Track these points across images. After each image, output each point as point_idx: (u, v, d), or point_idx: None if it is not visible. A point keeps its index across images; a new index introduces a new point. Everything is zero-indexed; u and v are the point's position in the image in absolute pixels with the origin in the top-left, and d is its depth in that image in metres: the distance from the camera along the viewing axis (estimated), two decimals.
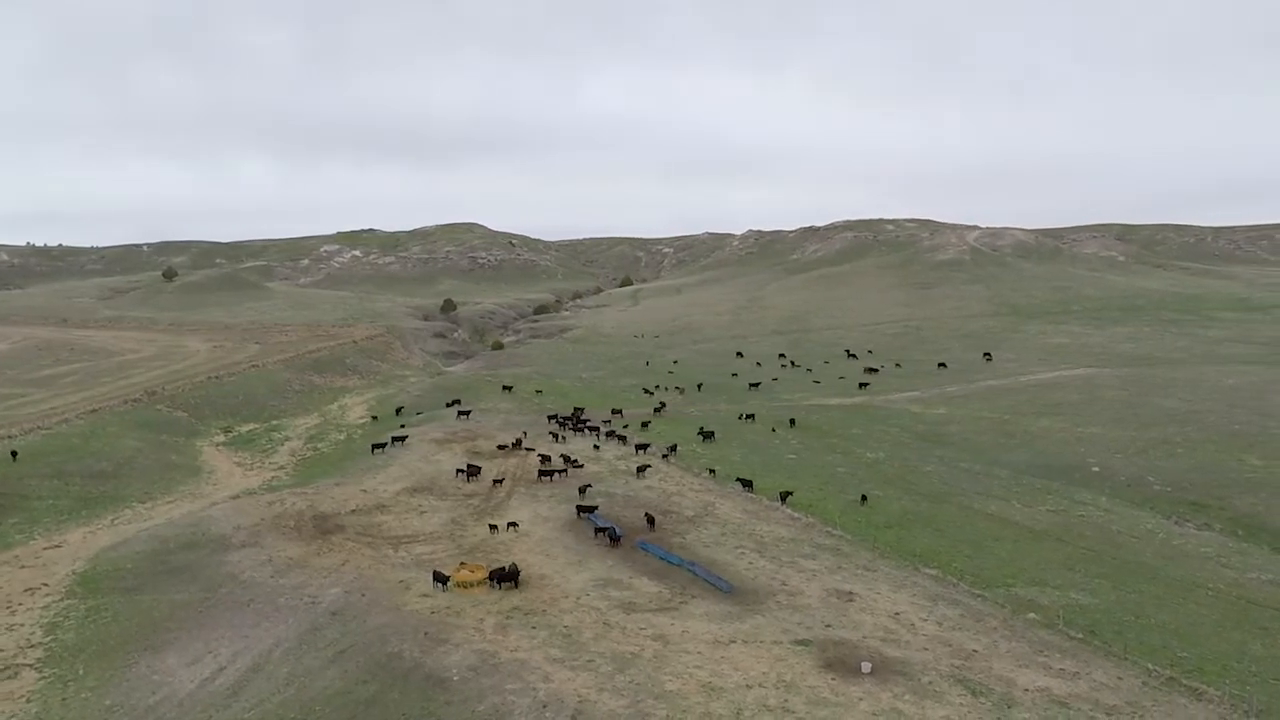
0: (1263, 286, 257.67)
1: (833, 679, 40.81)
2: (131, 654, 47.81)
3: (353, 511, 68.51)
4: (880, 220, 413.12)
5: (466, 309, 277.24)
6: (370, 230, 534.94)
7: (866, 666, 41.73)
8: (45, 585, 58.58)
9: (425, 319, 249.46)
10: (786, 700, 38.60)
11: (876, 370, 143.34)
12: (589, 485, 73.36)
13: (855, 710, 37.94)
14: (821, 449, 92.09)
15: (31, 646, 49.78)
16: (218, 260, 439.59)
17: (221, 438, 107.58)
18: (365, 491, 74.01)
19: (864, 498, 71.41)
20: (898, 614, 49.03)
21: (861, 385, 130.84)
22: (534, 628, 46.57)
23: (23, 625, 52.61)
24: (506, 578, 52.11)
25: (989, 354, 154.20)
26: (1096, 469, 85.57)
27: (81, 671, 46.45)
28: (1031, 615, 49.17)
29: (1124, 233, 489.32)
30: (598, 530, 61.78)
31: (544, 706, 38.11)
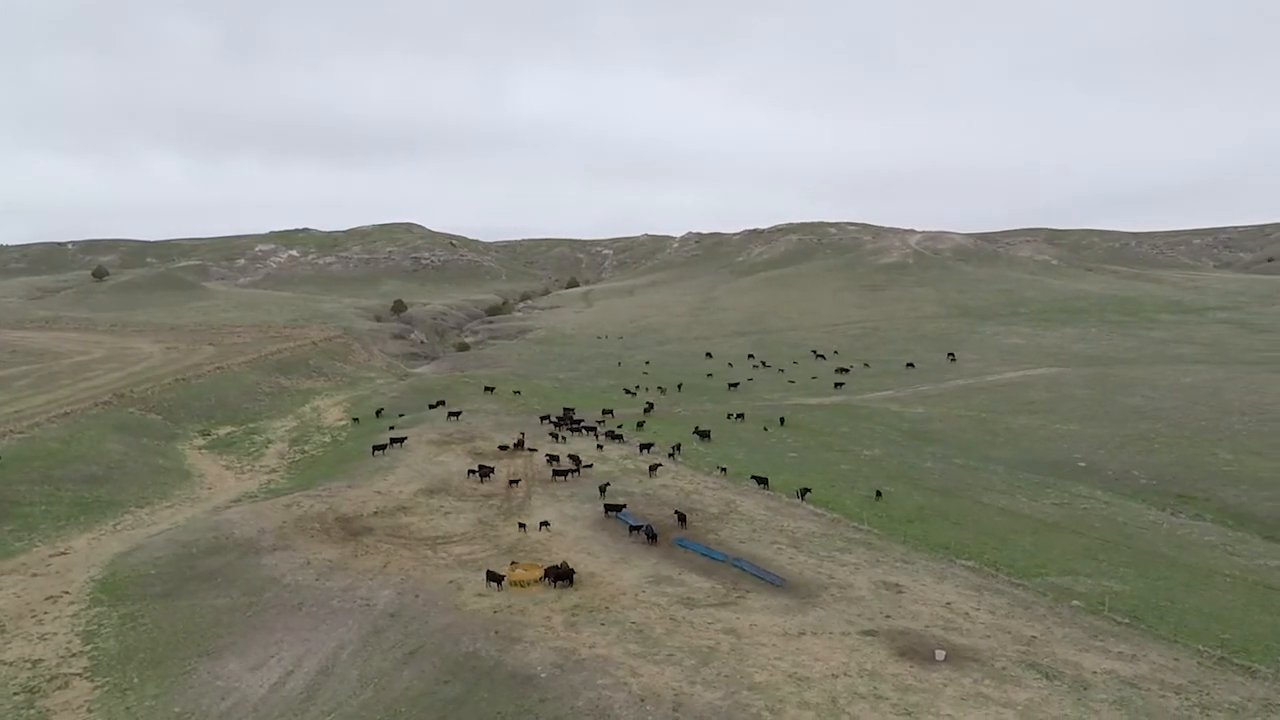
0: (1191, 290, 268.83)
1: (911, 666, 41.92)
2: (186, 660, 46.61)
3: (375, 513, 67.60)
4: (823, 224, 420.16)
5: (417, 310, 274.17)
6: (305, 230, 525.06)
7: (940, 654, 42.96)
8: (66, 593, 56.61)
9: (377, 320, 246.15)
10: (876, 687, 39.56)
11: (848, 370, 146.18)
12: (608, 484, 73.55)
13: (943, 695, 39.08)
14: (818, 447, 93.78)
15: (73, 655, 48.16)
16: (148, 259, 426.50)
17: (201, 441, 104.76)
18: (381, 493, 73.04)
19: (879, 493, 73.10)
20: (949, 604, 50.49)
21: (837, 385, 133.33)
22: (603, 624, 46.73)
23: (56, 634, 50.83)
24: (561, 576, 52.13)
25: (953, 354, 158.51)
26: (1083, 464, 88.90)
27: (137, 679, 45.15)
28: (1076, 602, 51.13)
29: (1052, 237, 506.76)
30: (632, 528, 62.04)
31: (641, 701, 38.39)
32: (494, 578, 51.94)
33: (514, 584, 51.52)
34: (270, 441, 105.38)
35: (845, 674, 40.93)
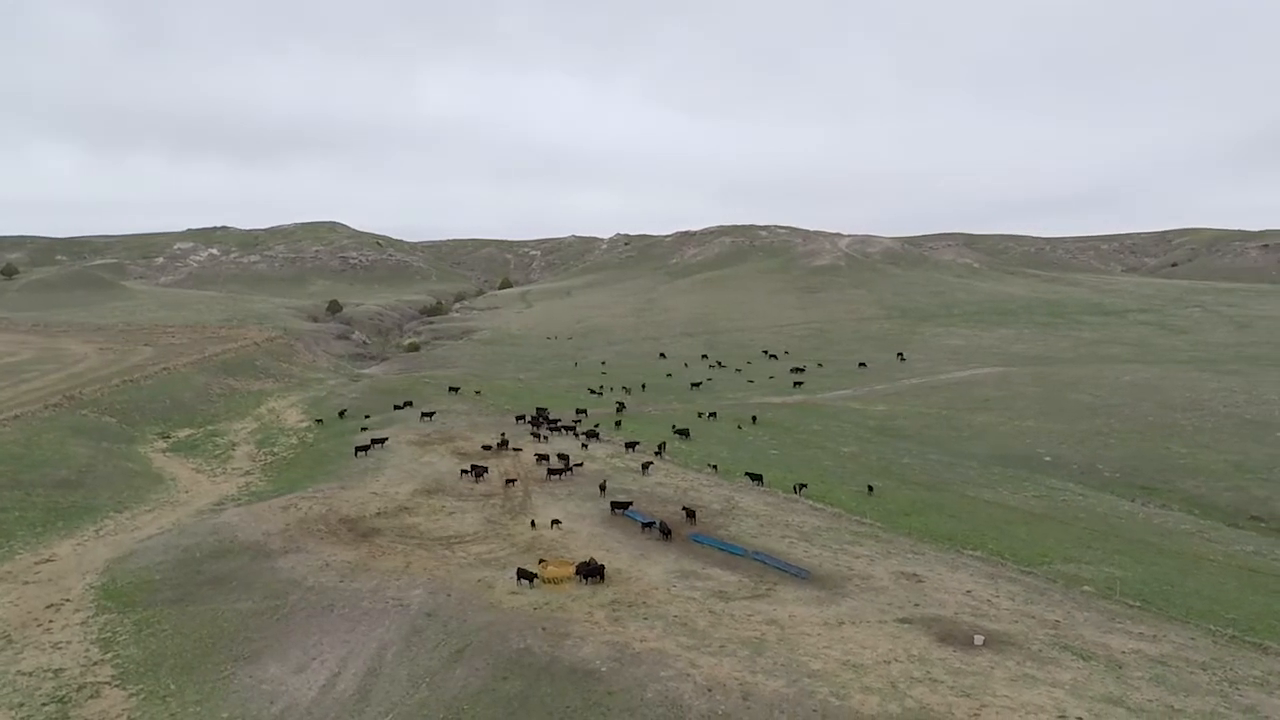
0: (1108, 293, 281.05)
1: (954, 651, 43.52)
2: (222, 665, 45.46)
3: (378, 514, 66.62)
4: (753, 226, 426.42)
5: (352, 310, 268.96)
6: (224, 228, 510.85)
7: (979, 639, 44.69)
8: (67, 601, 54.56)
9: (314, 321, 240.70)
10: (929, 671, 40.99)
11: (803, 370, 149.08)
12: (606, 482, 73.91)
13: (993, 677, 40.72)
14: (796, 445, 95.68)
15: (96, 664, 46.49)
16: (58, 257, 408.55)
17: (161, 444, 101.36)
18: (378, 494, 71.98)
19: (870, 488, 75.11)
20: (970, 591, 52.44)
21: (796, 384, 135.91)
22: (646, 619, 47.21)
23: (70, 643, 48.99)
24: (592, 572, 52.42)
25: (902, 354, 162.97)
26: (1049, 459, 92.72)
27: (174, 686, 43.87)
28: (1087, 588, 53.64)
29: (970, 241, 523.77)
30: (645, 525, 62.61)
31: (709, 691, 39.05)
32: (525, 575, 51.94)
33: (547, 581, 51.62)
34: (234, 444, 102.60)
35: (896, 660, 42.28)
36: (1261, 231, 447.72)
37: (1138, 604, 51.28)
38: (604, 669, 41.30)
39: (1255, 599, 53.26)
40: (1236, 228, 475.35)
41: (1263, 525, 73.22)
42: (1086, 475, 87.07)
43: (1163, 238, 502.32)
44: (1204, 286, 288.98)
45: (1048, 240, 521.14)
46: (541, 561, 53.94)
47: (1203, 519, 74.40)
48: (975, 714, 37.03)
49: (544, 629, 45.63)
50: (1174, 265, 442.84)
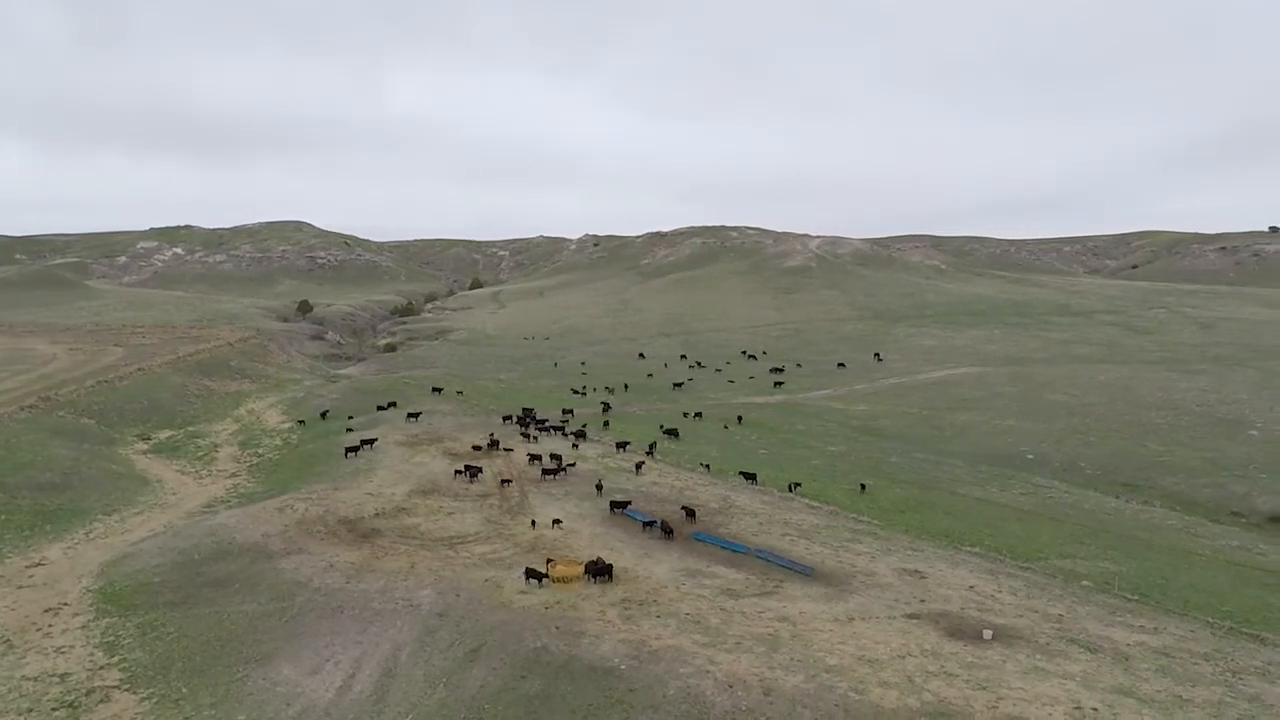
0: (1074, 294, 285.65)
1: (965, 645, 44.28)
2: (233, 668, 45.08)
3: (376, 515, 66.25)
4: (724, 227, 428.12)
5: (323, 310, 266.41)
6: (188, 227, 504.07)
7: (988, 633, 45.49)
8: (65, 605, 53.73)
9: (284, 321, 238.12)
10: (943, 665, 41.66)
11: (782, 370, 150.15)
12: (602, 482, 74.08)
13: (1006, 670, 41.51)
14: (782, 444, 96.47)
15: (102, 668, 45.90)
16: (18, 255, 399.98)
17: (142, 445, 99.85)
18: (373, 495, 71.57)
19: (863, 486, 75.96)
20: (972, 587, 53.31)
21: (776, 384, 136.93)
22: (658, 617, 47.46)
23: (73, 647, 48.30)
24: (600, 571, 52.59)
25: (879, 355, 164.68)
26: (1031, 456, 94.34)
27: (185, 689, 43.46)
28: (1086, 583, 54.76)
29: (937, 243, 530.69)
30: (646, 524, 62.90)
31: (730, 687, 39.40)
32: (534, 575, 51.99)
33: (556, 580, 51.72)
34: (217, 445, 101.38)
35: (910, 654, 42.92)
36: (1218, 234, 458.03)
37: (1136, 598, 52.46)
38: (623, 667, 41.50)
39: (1248, 592, 54.70)
40: (1193, 230, 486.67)
41: (1243, 520, 75.14)
42: (1069, 473, 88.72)
43: (1123, 240, 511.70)
44: (1166, 288, 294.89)
45: (1011, 242, 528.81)
46: (549, 561, 53.98)
47: (1186, 515, 76.17)
48: (993, 706, 37.73)
49: (558, 628, 45.73)
50: (1135, 267, 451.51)
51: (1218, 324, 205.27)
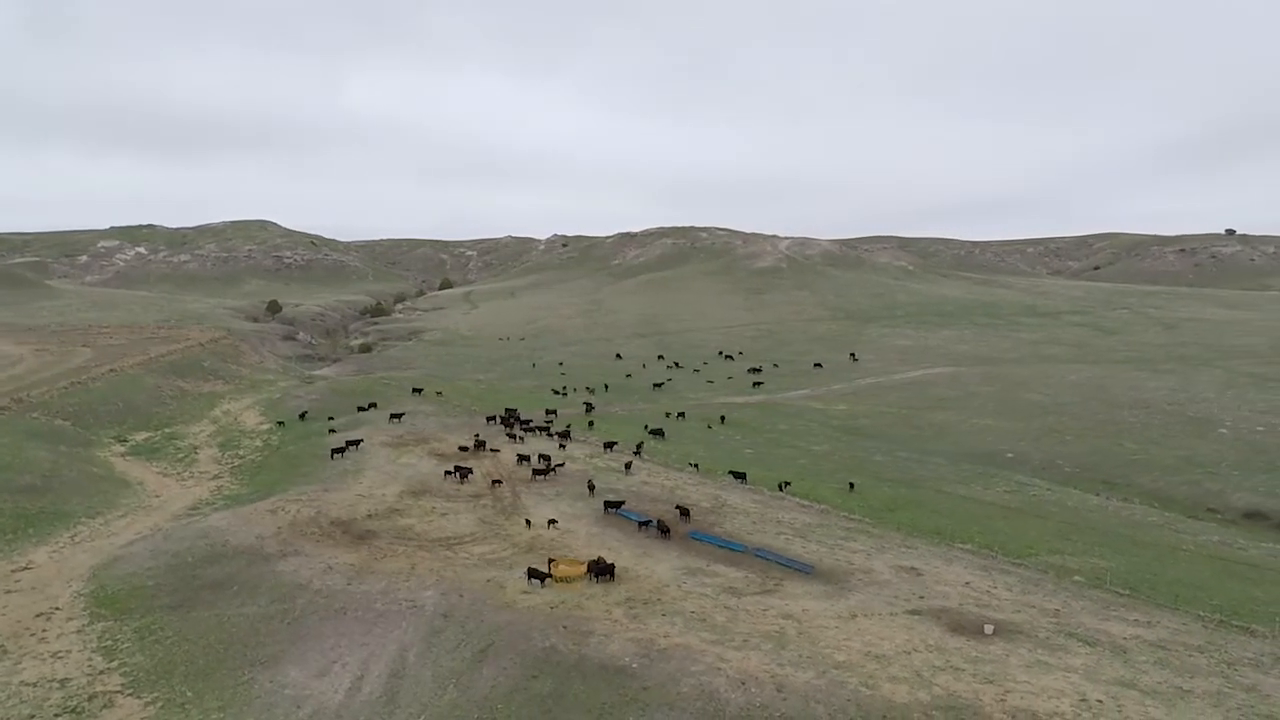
0: (1039, 295, 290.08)
1: (968, 640, 45.04)
2: (238, 671, 44.67)
3: (369, 516, 65.84)
4: (694, 228, 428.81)
5: (292, 310, 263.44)
6: (150, 226, 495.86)
7: (989, 628, 46.30)
8: (57, 609, 52.91)
9: (254, 321, 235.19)
10: (948, 660, 42.37)
11: (760, 370, 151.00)
12: (594, 482, 74.18)
13: (1010, 664, 42.29)
14: (767, 443, 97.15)
15: (102, 673, 45.27)
16: None
17: (120, 447, 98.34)
18: (364, 497, 71.12)
19: (851, 485, 76.76)
20: (968, 583, 54.17)
21: (755, 384, 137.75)
22: (664, 615, 47.75)
23: (70, 652, 47.60)
24: (602, 571, 52.77)
25: (854, 355, 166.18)
26: (1011, 455, 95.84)
27: (190, 693, 43.01)
28: (1078, 578, 55.86)
29: (903, 244, 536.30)
30: (642, 524, 63.14)
31: (742, 684, 39.76)
32: (536, 574, 52.04)
33: (559, 580, 51.83)
34: (196, 447, 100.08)
35: (915, 650, 43.57)
36: (1177, 236, 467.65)
37: (1127, 592, 53.60)
38: (634, 665, 41.71)
39: (1232, 586, 56.07)
40: (1153, 233, 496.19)
41: (1220, 517, 76.98)
42: (1049, 471, 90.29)
43: (1084, 242, 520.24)
44: (1129, 289, 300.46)
45: (975, 243, 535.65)
46: (551, 561, 54.06)
47: (1164, 511, 77.85)
48: (1001, 699, 38.44)
49: (566, 627, 45.82)
50: (1096, 268, 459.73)
51: (1181, 324, 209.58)
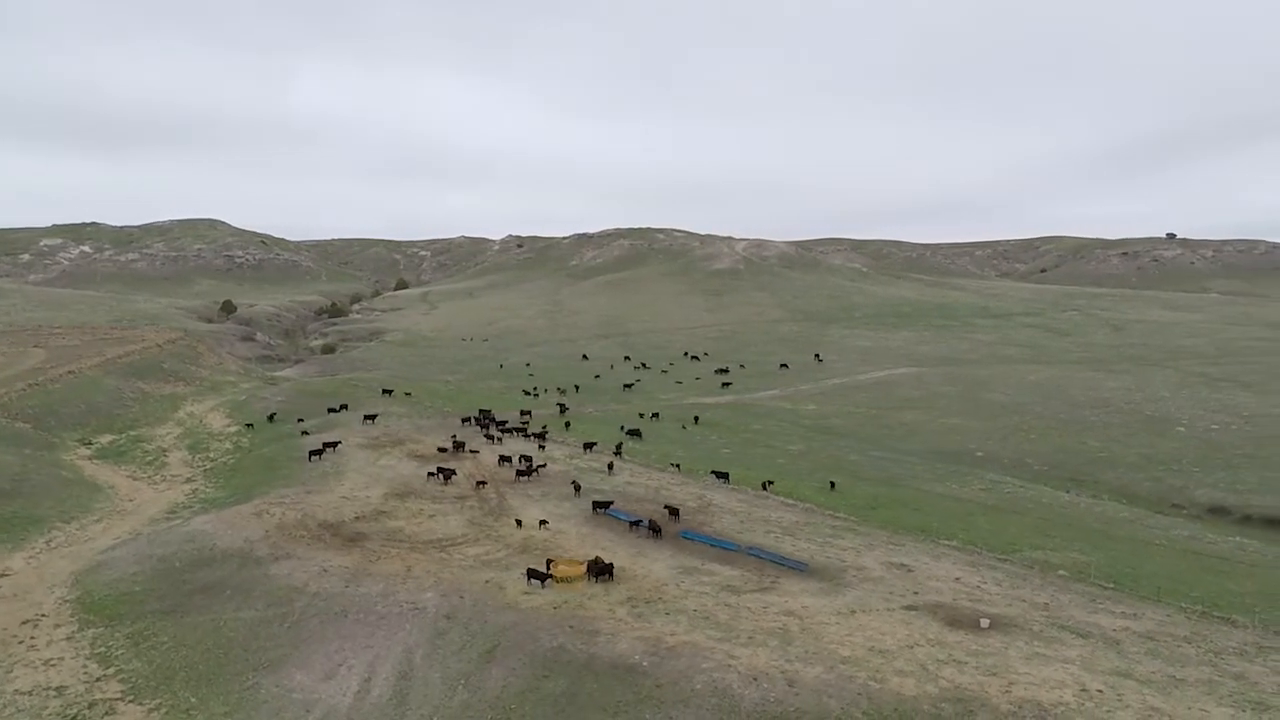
0: (990, 296, 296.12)
1: (966, 634, 46.14)
2: (241, 675, 44.19)
3: (357, 519, 65.28)
4: (652, 229, 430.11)
5: (247, 311, 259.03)
6: (94, 224, 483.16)
7: (985, 622, 47.48)
8: (43, 616, 51.84)
9: (208, 321, 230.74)
10: (950, 654, 43.40)
11: (727, 371, 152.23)
12: (579, 482, 74.35)
13: (1009, 656, 43.46)
14: (743, 443, 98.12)
15: (100, 680, 44.52)
16: None
17: (86, 451, 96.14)
18: (348, 499, 70.42)
19: (832, 484, 77.93)
20: (958, 579, 55.45)
21: (724, 385, 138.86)
22: (668, 614, 48.17)
23: (63, 659, 46.72)
24: (602, 571, 53.04)
25: (819, 355, 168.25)
26: (980, 454, 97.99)
27: (194, 699, 42.47)
28: (1062, 572, 57.47)
29: (856, 246, 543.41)
30: (633, 524, 63.52)
31: (754, 680, 40.35)
32: (536, 575, 52.15)
33: (560, 580, 52.01)
34: (165, 450, 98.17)
35: (917, 644, 44.54)
36: (1121, 240, 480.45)
37: (1111, 586, 55.31)
38: (644, 664, 42.08)
39: (1208, 579, 58.13)
40: (1097, 236, 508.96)
41: (1185, 512, 79.64)
42: (1017, 469, 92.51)
43: (1030, 244, 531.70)
44: (1077, 291, 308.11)
45: (926, 246, 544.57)
46: (551, 561, 54.21)
47: (1132, 507, 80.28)
48: (1006, 690, 39.51)
49: (572, 627, 46.03)
50: (1043, 271, 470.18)
51: (1129, 326, 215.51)
